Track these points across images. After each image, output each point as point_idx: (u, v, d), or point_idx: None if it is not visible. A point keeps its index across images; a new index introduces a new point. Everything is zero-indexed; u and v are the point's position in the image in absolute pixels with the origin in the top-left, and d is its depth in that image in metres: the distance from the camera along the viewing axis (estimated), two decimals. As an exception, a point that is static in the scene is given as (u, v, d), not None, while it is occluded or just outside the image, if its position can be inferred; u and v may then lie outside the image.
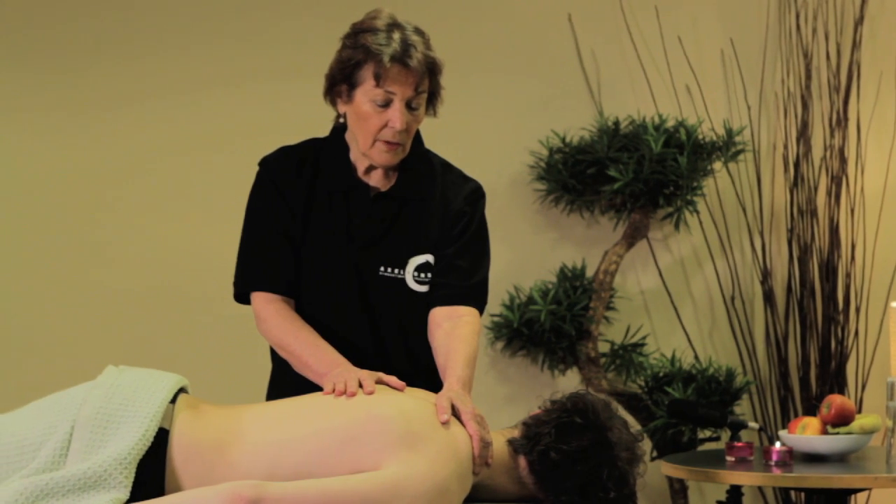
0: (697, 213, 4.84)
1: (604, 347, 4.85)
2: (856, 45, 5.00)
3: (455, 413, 2.78)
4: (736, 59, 5.05)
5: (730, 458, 3.91)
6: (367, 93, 2.96)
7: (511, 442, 2.81)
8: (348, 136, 3.10)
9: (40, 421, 2.67)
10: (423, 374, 3.03)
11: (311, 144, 3.16)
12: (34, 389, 3.05)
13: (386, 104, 2.97)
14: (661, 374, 4.69)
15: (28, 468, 2.61)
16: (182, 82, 4.77)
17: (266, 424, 2.70)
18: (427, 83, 2.99)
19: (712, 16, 5.06)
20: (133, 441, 2.61)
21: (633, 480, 2.79)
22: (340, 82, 3.00)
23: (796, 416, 4.91)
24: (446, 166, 3.18)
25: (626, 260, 4.93)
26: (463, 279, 3.07)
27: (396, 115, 2.96)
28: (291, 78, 4.68)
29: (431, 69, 3.00)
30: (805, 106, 4.97)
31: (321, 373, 2.92)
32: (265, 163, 3.15)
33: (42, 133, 4.71)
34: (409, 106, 2.98)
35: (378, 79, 2.94)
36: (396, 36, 2.95)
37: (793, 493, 4.90)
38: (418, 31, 2.99)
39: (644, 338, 4.90)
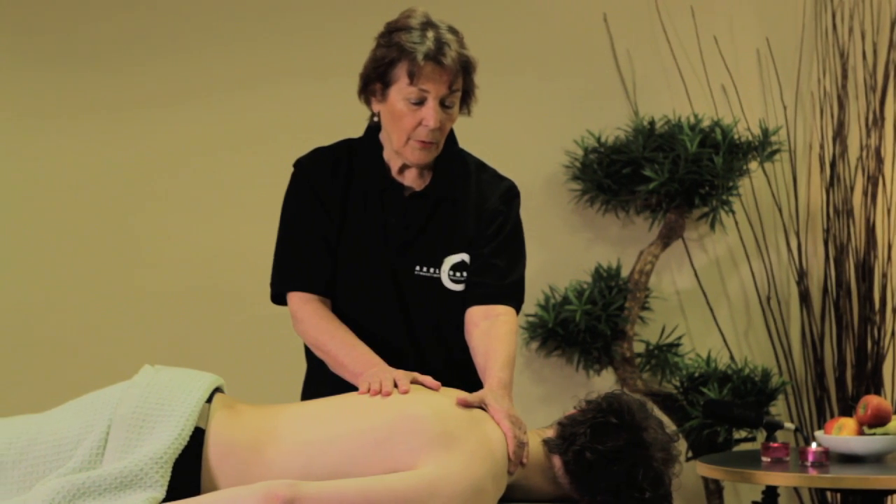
0: (733, 213, 4.82)
1: (639, 348, 4.84)
2: (892, 45, 4.98)
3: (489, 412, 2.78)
4: (772, 59, 5.03)
5: (765, 459, 3.89)
6: (400, 91, 2.96)
7: (546, 442, 2.81)
8: (382, 136, 3.10)
9: (77, 420, 2.68)
10: (459, 373, 3.02)
11: (346, 145, 3.16)
12: (70, 389, 3.06)
13: (420, 102, 2.96)
14: (696, 375, 4.68)
15: (65, 467, 2.61)
16: (216, 82, 4.78)
17: (302, 424, 2.70)
18: (461, 81, 2.99)
19: (748, 15, 5.04)
20: (169, 440, 2.61)
21: (669, 481, 2.78)
22: (374, 81, 3.00)
23: (832, 416, 4.90)
24: (480, 165, 3.18)
25: (662, 260, 4.92)
26: (499, 278, 3.07)
27: (430, 114, 2.96)
28: (326, 77, 4.68)
29: (465, 67, 2.99)
30: (841, 105, 4.95)
31: (357, 372, 2.92)
32: (300, 164, 3.15)
33: (75, 134, 4.72)
34: (443, 104, 2.98)
35: (412, 77, 2.94)
36: (430, 34, 2.95)
37: (829, 494, 4.88)
38: (452, 30, 2.99)
39: (679, 338, 4.89)
